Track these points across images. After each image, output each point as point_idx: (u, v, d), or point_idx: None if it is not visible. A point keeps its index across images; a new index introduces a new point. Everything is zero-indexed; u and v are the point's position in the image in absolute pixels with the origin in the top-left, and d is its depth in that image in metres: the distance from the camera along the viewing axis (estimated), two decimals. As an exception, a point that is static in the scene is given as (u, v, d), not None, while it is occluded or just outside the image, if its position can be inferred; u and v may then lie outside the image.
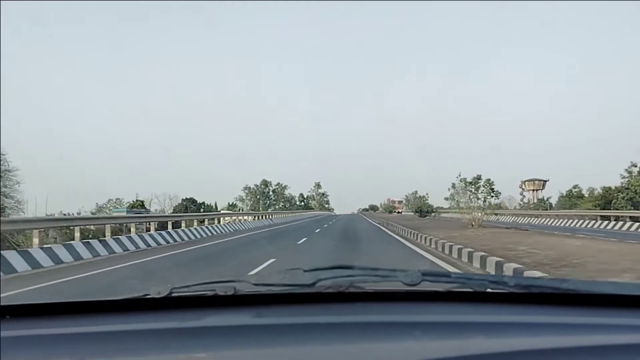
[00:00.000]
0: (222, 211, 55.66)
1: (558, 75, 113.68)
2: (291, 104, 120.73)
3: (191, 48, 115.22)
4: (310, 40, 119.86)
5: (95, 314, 1.13)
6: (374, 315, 1.10)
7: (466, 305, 1.19)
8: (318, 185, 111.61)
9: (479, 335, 0.98)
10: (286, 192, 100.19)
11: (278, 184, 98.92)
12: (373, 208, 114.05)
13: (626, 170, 40.46)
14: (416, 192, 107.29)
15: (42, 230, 12.72)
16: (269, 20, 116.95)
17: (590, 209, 37.79)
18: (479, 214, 23.93)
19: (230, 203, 77.15)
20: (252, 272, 8.38)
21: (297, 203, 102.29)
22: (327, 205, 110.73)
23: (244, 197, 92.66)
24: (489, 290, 1.20)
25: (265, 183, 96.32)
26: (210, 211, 56.80)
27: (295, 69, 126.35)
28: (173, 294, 1.14)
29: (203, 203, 64.04)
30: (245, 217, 35.33)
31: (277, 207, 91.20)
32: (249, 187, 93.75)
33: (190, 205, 61.69)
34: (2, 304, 1.10)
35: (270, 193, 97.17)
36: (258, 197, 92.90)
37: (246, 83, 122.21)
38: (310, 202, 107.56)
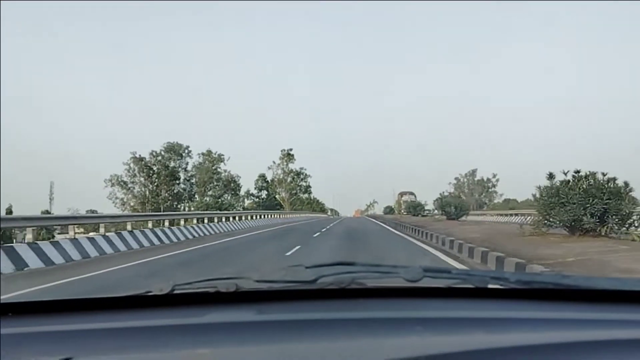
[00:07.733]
0: None
1: (560, 71, 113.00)
2: (291, 100, 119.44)
3: (189, 42, 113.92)
4: (310, 37, 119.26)
5: (96, 311, 1.13)
6: (375, 312, 1.10)
7: (467, 301, 1.20)
8: (288, 155, 60.19)
9: (480, 330, 0.99)
10: (222, 168, 51.28)
11: (207, 152, 50.89)
12: (391, 210, 72.14)
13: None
14: (474, 171, 63.91)
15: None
16: (270, 17, 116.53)
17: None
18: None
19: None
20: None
21: (253, 192, 56.58)
22: (306, 196, 61.54)
23: (126, 179, 44.88)
24: (489, 286, 1.21)
25: (174, 148, 47.65)
26: None
27: (295, 64, 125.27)
28: (175, 291, 1.15)
29: None
30: None
31: (207, 199, 48.24)
32: (140, 158, 44.98)
33: None
34: (3, 301, 1.11)
35: (189, 169, 49.73)
36: (157, 177, 44.75)
37: (244, 74, 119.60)
38: (277, 190, 59.19)
